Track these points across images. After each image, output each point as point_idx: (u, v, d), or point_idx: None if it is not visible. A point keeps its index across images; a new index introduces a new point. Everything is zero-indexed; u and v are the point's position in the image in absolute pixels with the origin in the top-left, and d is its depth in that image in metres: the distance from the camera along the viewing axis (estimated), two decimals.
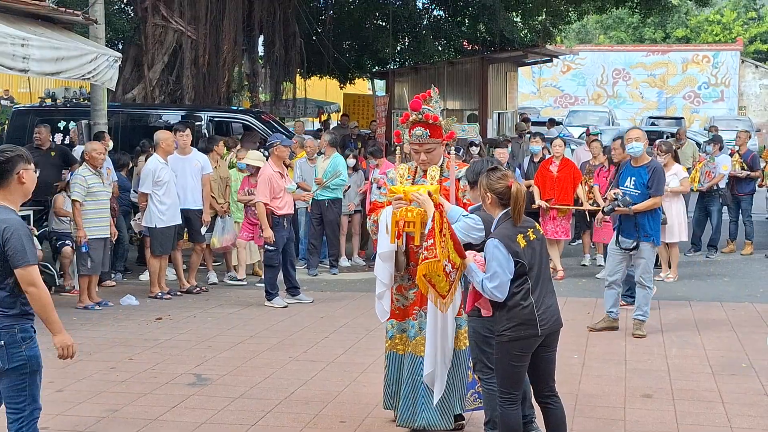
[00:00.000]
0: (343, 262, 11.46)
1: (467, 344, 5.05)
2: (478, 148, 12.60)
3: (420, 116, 5.10)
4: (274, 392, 6.09)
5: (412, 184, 5.21)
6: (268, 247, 8.96)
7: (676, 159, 10.57)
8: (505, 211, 4.46)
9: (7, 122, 18.68)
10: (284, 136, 9.91)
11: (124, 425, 5.42)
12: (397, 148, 5.55)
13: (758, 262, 11.72)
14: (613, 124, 31.25)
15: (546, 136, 13.45)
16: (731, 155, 12.61)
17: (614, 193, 7.71)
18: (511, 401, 4.47)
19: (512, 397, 4.47)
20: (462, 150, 10.43)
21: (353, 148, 12.90)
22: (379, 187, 8.65)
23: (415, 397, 5.11)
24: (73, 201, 8.82)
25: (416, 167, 5.27)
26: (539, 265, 4.44)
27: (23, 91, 21.92)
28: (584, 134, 14.38)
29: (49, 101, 14.08)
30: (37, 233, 9.58)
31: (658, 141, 11.27)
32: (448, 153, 5.24)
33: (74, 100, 14.01)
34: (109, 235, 9.10)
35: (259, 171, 9.28)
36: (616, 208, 7.68)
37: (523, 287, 4.38)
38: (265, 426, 5.43)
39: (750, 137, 13.39)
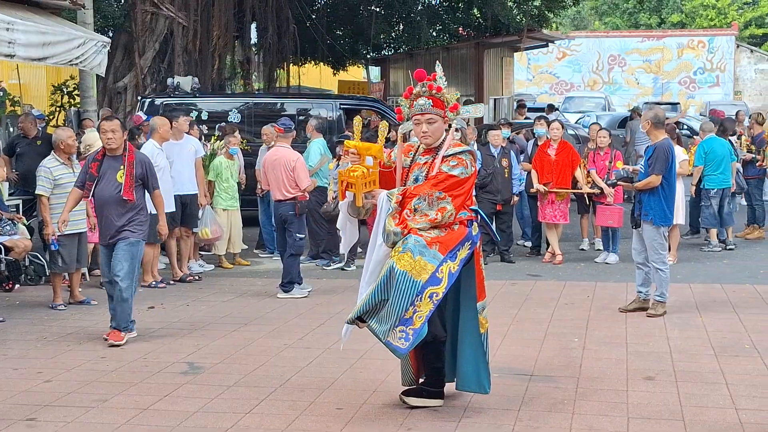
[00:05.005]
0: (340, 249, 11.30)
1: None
2: (459, 133, 12.37)
3: (424, 87, 5.08)
4: (269, 380, 5.95)
5: (412, 161, 5.21)
6: (299, 235, 8.81)
7: (679, 142, 10.47)
8: None
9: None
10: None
11: (115, 415, 5.28)
12: (400, 127, 5.43)
13: (757, 245, 11.62)
14: (608, 110, 31.12)
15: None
16: (739, 137, 12.51)
17: (622, 169, 8.17)
18: None
19: None
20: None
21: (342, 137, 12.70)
22: None
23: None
24: (39, 196, 8.23)
25: (418, 145, 5.22)
26: None
27: (13, 83, 21.70)
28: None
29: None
30: (26, 223, 9.42)
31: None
32: (451, 130, 5.18)
33: (194, 91, 14.12)
34: (83, 230, 8.48)
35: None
36: (618, 183, 8.22)
37: None
38: (259, 414, 5.30)
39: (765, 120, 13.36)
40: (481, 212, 5.38)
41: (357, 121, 5.54)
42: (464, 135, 10.19)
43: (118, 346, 6.80)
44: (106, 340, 6.89)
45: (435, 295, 4.95)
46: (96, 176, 7.02)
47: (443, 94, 5.09)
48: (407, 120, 5.24)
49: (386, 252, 5.03)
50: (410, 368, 5.44)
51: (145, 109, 13.12)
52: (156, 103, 13.12)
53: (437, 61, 5.56)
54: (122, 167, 6.95)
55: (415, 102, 5.12)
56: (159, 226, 7.36)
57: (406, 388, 5.37)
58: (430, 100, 5.08)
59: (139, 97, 13.71)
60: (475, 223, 5.19)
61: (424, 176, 5.10)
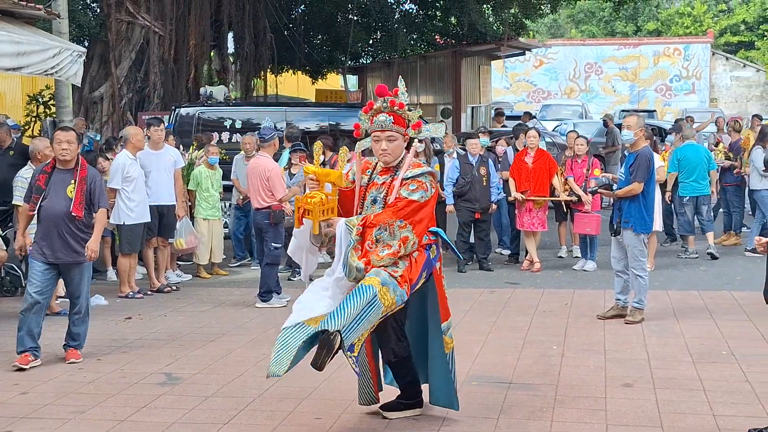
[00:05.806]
0: None
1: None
2: (423, 145, 12.33)
3: (385, 103, 4.91)
4: (248, 390, 5.92)
5: (369, 180, 5.03)
6: (274, 245, 8.76)
7: (655, 149, 10.55)
8: None
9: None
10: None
11: (92, 427, 5.22)
12: (358, 143, 5.24)
13: (734, 252, 11.72)
14: (585, 118, 31.32)
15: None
16: (717, 144, 12.63)
17: (602, 176, 8.26)
18: None
19: None
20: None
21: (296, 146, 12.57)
22: None
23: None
24: (15, 206, 8.09)
25: (376, 163, 5.06)
26: None
27: None
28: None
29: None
30: (2, 234, 9.30)
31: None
32: (412, 150, 4.99)
33: (228, 100, 14.19)
34: None
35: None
36: (598, 190, 8.25)
37: None
38: (238, 424, 5.26)
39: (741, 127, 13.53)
40: (441, 233, 5.13)
41: (317, 146, 5.39)
42: (428, 148, 9.97)
43: (77, 363, 6.66)
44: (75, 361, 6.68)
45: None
46: (43, 189, 6.55)
47: (405, 110, 4.91)
48: (366, 136, 5.04)
49: (348, 286, 4.79)
50: (371, 383, 5.29)
51: (177, 118, 13.06)
52: (190, 113, 13.06)
53: (399, 77, 5.33)
54: (73, 182, 6.54)
55: (375, 118, 4.91)
56: (89, 243, 6.59)
57: (384, 402, 5.31)
58: (391, 117, 4.87)
59: (173, 107, 13.61)
60: (433, 246, 5.00)
61: (383, 197, 4.91)
